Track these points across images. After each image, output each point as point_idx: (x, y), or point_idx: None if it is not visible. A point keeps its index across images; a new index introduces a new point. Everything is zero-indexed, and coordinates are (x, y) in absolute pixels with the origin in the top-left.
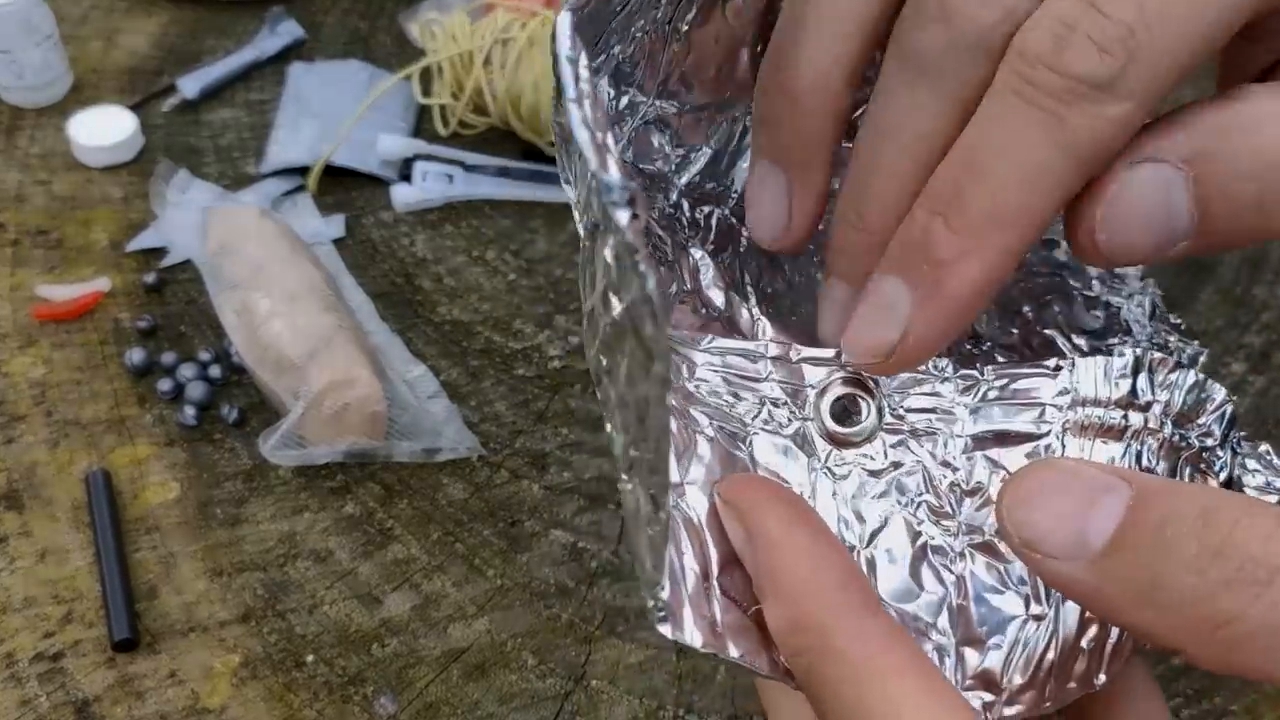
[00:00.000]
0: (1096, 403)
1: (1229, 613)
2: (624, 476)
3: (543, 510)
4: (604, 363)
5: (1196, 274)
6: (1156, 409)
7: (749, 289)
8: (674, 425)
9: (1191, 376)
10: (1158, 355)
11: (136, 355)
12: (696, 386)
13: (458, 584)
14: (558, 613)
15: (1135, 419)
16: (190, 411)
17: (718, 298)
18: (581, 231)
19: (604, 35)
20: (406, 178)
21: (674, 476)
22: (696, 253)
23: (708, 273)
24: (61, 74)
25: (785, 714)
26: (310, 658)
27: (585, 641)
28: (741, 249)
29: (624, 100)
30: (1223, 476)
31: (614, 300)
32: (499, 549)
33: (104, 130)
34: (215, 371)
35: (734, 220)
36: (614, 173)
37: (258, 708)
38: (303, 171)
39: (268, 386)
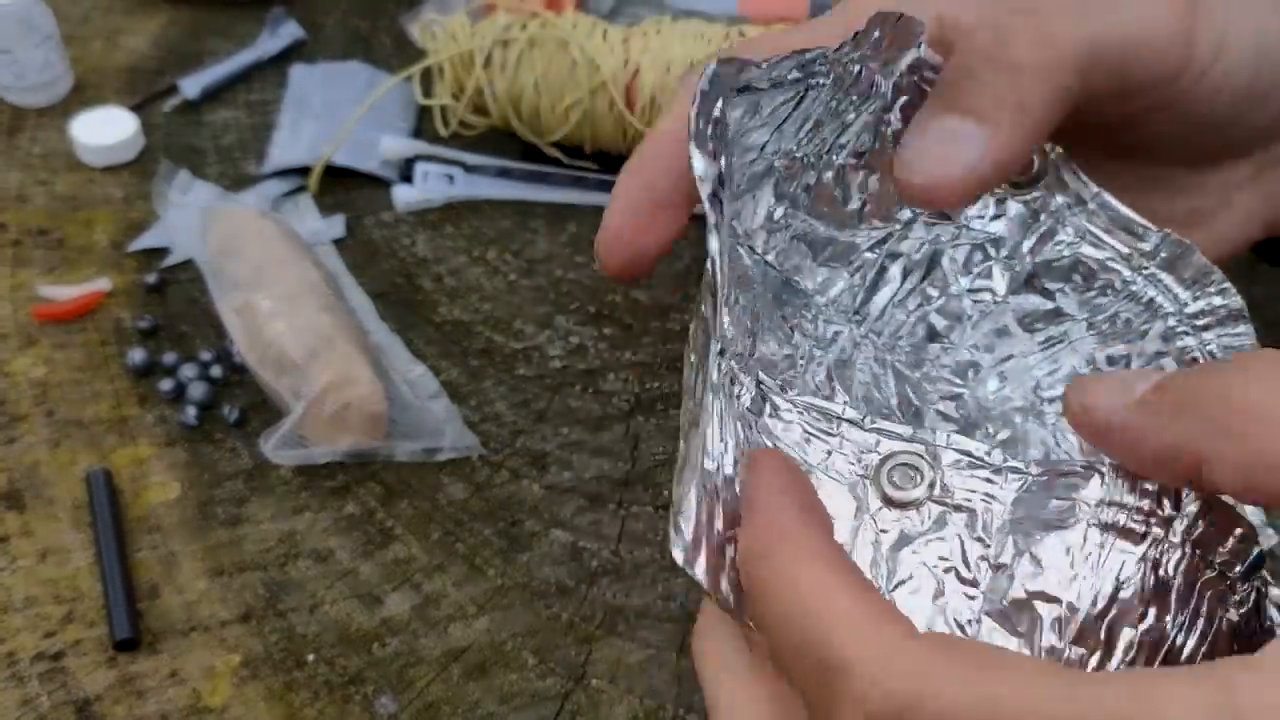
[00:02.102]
0: (1123, 507)
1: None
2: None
3: (543, 510)
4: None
5: None
6: (1179, 525)
7: (844, 389)
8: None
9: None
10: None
11: (137, 355)
12: (773, 422)
13: (458, 584)
14: (558, 612)
15: (1156, 531)
16: (191, 411)
17: (819, 381)
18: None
19: (767, 142)
20: (407, 178)
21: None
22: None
23: (820, 372)
24: (62, 74)
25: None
26: (311, 657)
27: (585, 641)
28: (844, 355)
29: (779, 212)
30: (1244, 610)
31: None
32: (499, 549)
33: (105, 130)
34: (216, 371)
35: (841, 329)
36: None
37: (258, 707)
38: (303, 172)
39: (269, 386)
